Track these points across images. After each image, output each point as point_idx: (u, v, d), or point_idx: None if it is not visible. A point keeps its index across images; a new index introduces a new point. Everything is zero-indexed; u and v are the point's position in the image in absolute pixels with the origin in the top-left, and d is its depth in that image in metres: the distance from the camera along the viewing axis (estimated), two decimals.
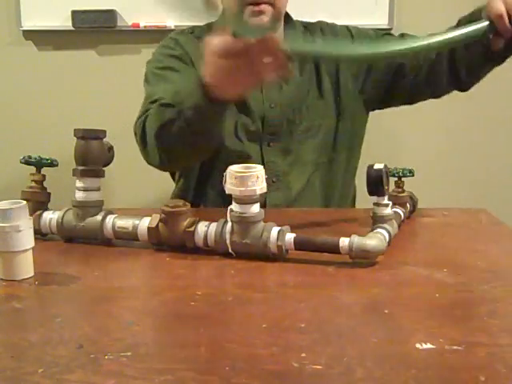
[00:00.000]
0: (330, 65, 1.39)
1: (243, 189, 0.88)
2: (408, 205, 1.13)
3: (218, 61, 0.93)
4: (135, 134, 1.24)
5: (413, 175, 1.09)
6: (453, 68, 1.30)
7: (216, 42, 0.93)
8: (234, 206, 0.91)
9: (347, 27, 1.44)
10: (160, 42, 1.43)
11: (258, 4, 1.26)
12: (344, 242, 0.88)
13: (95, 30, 2.10)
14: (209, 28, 1.39)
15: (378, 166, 0.93)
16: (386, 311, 0.73)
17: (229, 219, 0.92)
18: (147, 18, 2.11)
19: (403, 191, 1.11)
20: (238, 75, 0.93)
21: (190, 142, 1.11)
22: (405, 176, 1.08)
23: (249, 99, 1.31)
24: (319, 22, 1.46)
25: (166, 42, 1.39)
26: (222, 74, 0.94)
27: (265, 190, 0.90)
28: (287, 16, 1.40)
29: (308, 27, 1.43)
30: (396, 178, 1.09)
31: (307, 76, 1.38)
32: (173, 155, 1.18)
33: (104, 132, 1.01)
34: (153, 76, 1.32)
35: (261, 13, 1.27)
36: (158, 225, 0.95)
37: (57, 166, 1.04)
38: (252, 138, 1.32)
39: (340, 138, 1.41)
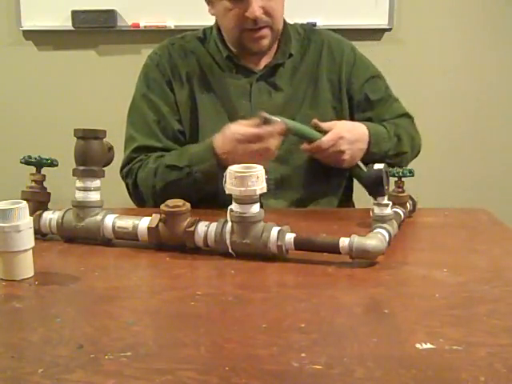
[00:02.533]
0: (333, 73, 1.39)
1: (243, 189, 0.88)
2: (408, 205, 1.13)
3: (237, 145, 1.14)
4: (123, 178, 1.36)
5: (413, 175, 1.10)
6: None
7: (240, 131, 1.15)
8: (234, 206, 0.91)
9: (354, 52, 1.43)
10: (158, 43, 1.43)
11: (257, 29, 1.26)
12: (344, 242, 0.88)
13: (95, 30, 2.10)
14: (203, 33, 1.39)
15: (378, 166, 0.93)
16: (386, 311, 0.73)
17: (229, 219, 0.92)
18: (147, 18, 2.11)
19: (403, 191, 1.11)
20: (251, 155, 1.12)
21: (192, 196, 1.18)
22: (405, 176, 1.08)
23: (237, 107, 1.32)
24: (327, 35, 1.43)
25: (150, 59, 1.39)
26: (238, 154, 1.13)
27: (265, 190, 0.90)
28: (284, 23, 1.38)
29: (310, 37, 1.41)
30: (396, 178, 1.09)
31: (303, 86, 1.36)
32: None
33: (104, 132, 1.01)
34: (134, 105, 1.40)
35: (261, 38, 1.28)
36: (157, 225, 0.95)
37: (57, 165, 1.04)
38: None
39: None
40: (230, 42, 1.33)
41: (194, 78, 1.34)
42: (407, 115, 1.45)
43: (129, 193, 1.37)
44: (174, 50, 1.38)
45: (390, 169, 1.06)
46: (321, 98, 1.37)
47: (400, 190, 1.10)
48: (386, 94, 1.44)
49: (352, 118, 1.39)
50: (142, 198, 1.33)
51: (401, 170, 1.08)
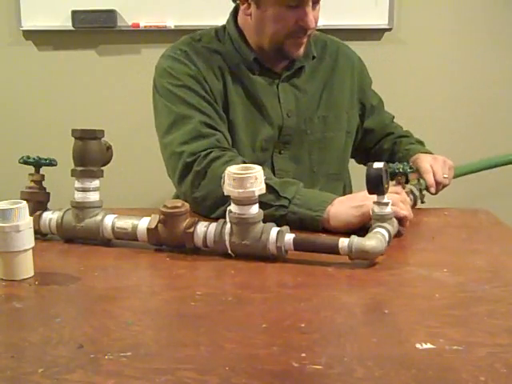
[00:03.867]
0: (348, 80, 1.41)
1: (241, 190, 0.88)
2: (409, 200, 1.13)
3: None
4: (182, 158, 1.19)
5: (413, 171, 1.10)
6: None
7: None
8: (232, 207, 0.90)
9: (360, 59, 1.47)
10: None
11: (302, 37, 1.26)
12: (343, 242, 0.87)
13: (95, 30, 2.10)
14: (216, 35, 1.35)
15: (377, 164, 0.92)
16: (386, 311, 0.73)
17: (228, 220, 0.91)
18: (147, 18, 2.11)
19: (404, 187, 1.11)
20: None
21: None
22: (405, 172, 1.08)
23: (268, 108, 1.32)
24: (337, 41, 1.46)
25: (176, 55, 1.30)
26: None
27: (263, 191, 0.90)
28: None
29: (326, 41, 1.42)
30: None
31: (320, 88, 1.38)
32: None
33: (102, 132, 1.00)
34: (171, 95, 1.27)
35: (302, 44, 1.28)
36: (157, 226, 0.95)
37: (55, 165, 1.04)
38: (266, 146, 1.32)
39: (347, 153, 1.45)
40: (264, 45, 1.30)
41: (225, 74, 1.30)
42: (393, 117, 1.55)
43: (179, 181, 1.20)
44: (199, 47, 1.32)
45: (391, 164, 1.07)
46: (335, 102, 1.39)
47: (400, 186, 1.10)
48: (378, 98, 1.52)
49: (362, 124, 1.48)
50: (203, 195, 1.16)
51: (401, 166, 1.08)
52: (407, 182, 1.19)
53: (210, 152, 1.17)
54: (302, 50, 1.30)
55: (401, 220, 1.04)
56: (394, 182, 1.10)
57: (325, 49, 1.41)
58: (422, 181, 1.24)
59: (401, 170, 1.08)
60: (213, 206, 1.13)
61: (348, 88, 1.42)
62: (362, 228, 1.01)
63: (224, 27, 1.36)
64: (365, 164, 1.47)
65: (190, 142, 1.20)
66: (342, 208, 1.06)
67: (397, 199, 1.04)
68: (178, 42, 1.35)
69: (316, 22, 1.27)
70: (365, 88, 1.47)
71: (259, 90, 1.31)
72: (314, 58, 1.37)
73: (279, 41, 1.27)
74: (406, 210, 1.05)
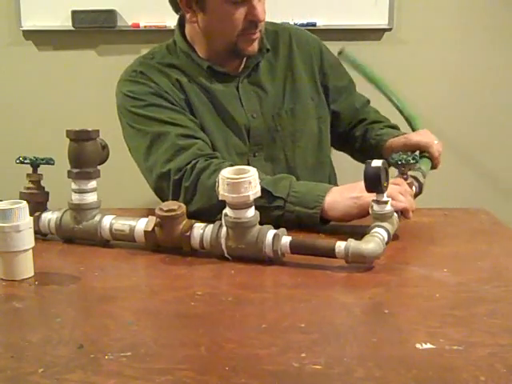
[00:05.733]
0: (307, 65, 1.39)
1: (236, 195, 0.86)
2: (414, 188, 1.11)
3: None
4: (169, 177, 1.17)
5: (416, 161, 1.08)
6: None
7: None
8: (228, 211, 0.89)
9: (317, 40, 1.44)
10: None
11: (254, 32, 1.25)
12: (340, 246, 0.86)
13: (95, 30, 2.10)
14: (168, 51, 1.33)
15: (376, 162, 0.90)
16: (386, 311, 0.73)
17: (223, 224, 0.90)
18: (147, 18, 2.11)
19: (407, 178, 1.09)
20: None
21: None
22: (408, 164, 1.07)
23: (232, 112, 1.30)
24: (290, 28, 1.44)
25: (132, 77, 1.28)
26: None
27: (259, 194, 0.88)
28: None
29: (277, 31, 1.40)
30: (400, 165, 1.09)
31: (282, 80, 1.36)
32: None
33: (97, 132, 0.99)
34: (139, 118, 1.24)
35: (255, 40, 1.27)
36: (153, 228, 0.94)
37: (53, 164, 1.03)
38: (240, 151, 1.31)
39: (324, 140, 1.42)
40: (216, 48, 1.29)
41: (184, 85, 1.29)
42: (368, 101, 1.50)
43: (173, 195, 1.16)
44: (153, 64, 1.30)
45: (393, 155, 1.06)
46: (300, 91, 1.37)
47: (404, 176, 1.09)
48: (348, 79, 1.47)
49: (329, 108, 1.43)
50: (198, 208, 1.13)
51: (404, 157, 1.06)
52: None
53: (196, 163, 1.16)
54: (256, 45, 1.28)
55: (402, 212, 1.03)
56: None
57: (277, 39, 1.38)
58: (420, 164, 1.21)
59: (403, 161, 1.07)
60: (210, 216, 1.07)
61: (309, 73, 1.38)
62: (361, 220, 1.01)
63: (174, 41, 1.35)
64: (349, 153, 1.47)
65: (173, 159, 1.17)
66: (340, 198, 1.05)
67: (395, 191, 1.02)
68: (131, 64, 1.33)
69: (264, 14, 1.25)
70: (326, 69, 1.41)
71: (220, 96, 1.29)
72: (268, 50, 1.35)
73: (233, 39, 1.25)
74: (404, 202, 1.03)
